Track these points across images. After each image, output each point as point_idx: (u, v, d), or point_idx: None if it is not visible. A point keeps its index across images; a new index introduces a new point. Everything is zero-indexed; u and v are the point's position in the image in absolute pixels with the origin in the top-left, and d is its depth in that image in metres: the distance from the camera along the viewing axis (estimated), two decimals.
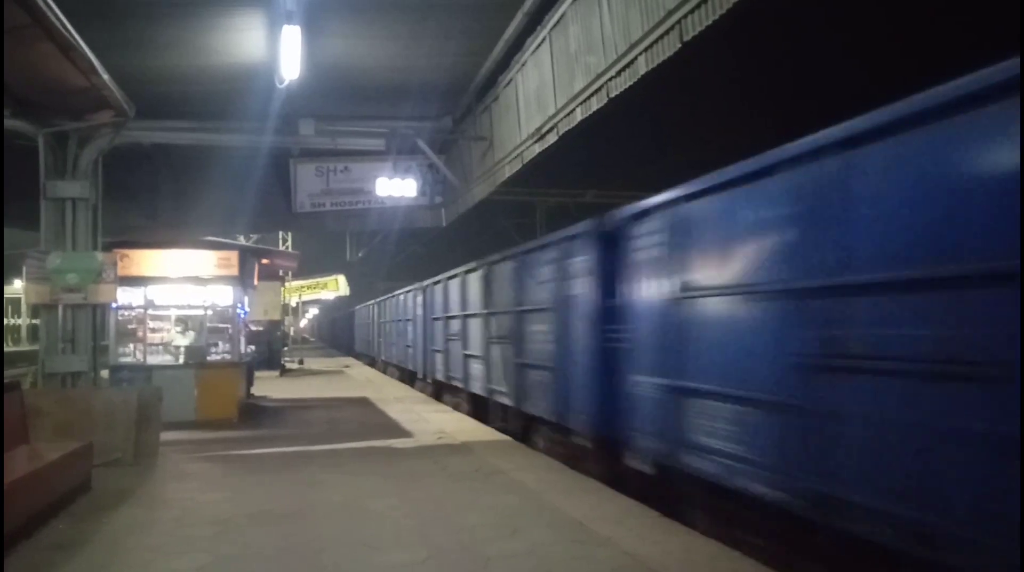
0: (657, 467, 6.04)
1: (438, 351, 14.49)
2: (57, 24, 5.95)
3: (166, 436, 8.73)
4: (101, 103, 8.23)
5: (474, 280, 11.77)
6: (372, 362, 27.74)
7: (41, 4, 5.59)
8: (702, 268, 5.49)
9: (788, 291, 4.47)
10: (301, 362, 27.51)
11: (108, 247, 9.78)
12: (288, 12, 7.18)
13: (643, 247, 6.39)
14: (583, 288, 7.46)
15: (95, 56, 6.94)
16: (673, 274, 5.79)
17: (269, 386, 17.16)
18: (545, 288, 8.53)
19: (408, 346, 18.24)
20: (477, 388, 11.59)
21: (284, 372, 22.62)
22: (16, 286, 24.06)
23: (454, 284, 13.17)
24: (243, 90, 9.68)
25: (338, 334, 47.80)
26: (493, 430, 10.35)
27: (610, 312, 6.96)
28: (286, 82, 8.20)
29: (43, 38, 6.09)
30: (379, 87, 10.23)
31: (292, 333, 37.78)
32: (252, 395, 14.59)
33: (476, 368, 11.61)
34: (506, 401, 10.01)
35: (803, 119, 4.96)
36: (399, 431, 10.29)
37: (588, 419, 7.27)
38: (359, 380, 20.44)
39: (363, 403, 14.17)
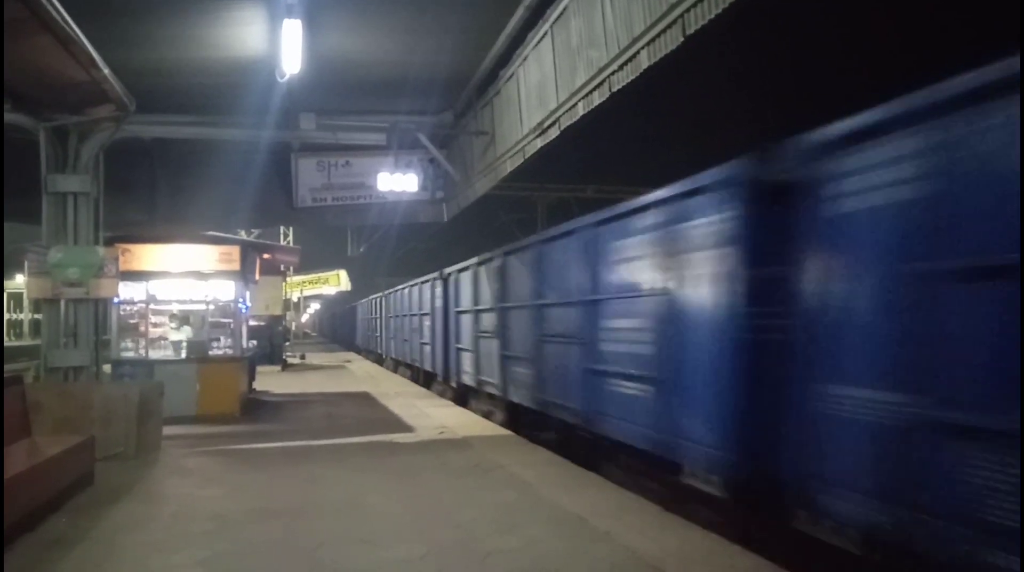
0: (457, 383, 13.40)
1: (392, 338, 22.61)
2: (56, 16, 5.93)
3: (168, 430, 8.75)
4: (101, 97, 8.21)
5: (404, 293, 19.63)
6: (367, 356, 29.00)
7: None
8: (462, 299, 12.93)
9: (474, 310, 12.00)
10: (303, 357, 27.54)
11: (110, 242, 9.78)
12: (289, 6, 7.16)
13: (451, 287, 13.78)
14: (438, 303, 14.87)
15: (95, 50, 6.92)
16: (457, 301, 13.27)
17: (271, 381, 17.18)
18: (428, 301, 16.06)
19: (377, 335, 26.46)
20: (408, 360, 19.32)
21: (286, 367, 22.64)
22: (18, 281, 24.08)
23: (397, 295, 20.97)
24: (244, 84, 9.65)
25: (339, 329, 47.90)
26: (494, 425, 10.37)
27: (449, 314, 13.93)
28: (287, 76, 8.18)
29: (41, 31, 6.07)
30: (380, 81, 10.21)
31: (294, 328, 37.78)
32: (254, 390, 14.60)
33: (405, 347, 19.54)
34: (418, 365, 17.57)
35: (805, 113, 4.94)
36: (400, 426, 10.29)
37: (440, 367, 14.76)
38: (360, 375, 20.46)
39: (364, 398, 14.18)
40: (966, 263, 3.38)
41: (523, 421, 9.62)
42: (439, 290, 14.64)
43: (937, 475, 3.44)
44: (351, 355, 31.99)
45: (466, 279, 12.47)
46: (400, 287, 19.67)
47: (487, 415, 11.26)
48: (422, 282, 16.63)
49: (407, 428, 10.06)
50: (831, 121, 4.22)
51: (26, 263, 8.92)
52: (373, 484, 6.61)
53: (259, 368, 16.78)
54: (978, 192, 3.35)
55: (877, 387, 3.85)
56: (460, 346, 12.95)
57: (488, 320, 11.06)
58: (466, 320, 12.49)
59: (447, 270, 14.00)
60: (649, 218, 6.27)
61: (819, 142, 4.35)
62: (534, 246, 9.23)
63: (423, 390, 15.85)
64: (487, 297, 11.24)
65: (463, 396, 12.98)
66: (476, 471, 7.13)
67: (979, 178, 3.36)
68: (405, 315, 19.26)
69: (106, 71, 7.43)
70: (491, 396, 11.24)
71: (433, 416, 11.22)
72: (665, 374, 5.90)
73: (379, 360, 25.54)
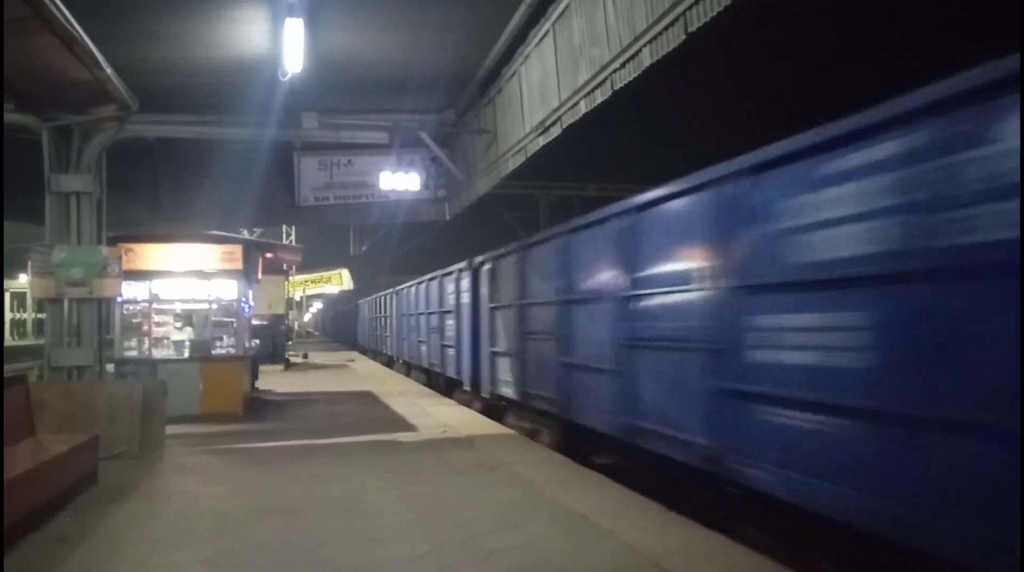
0: (403, 361, 21.19)
1: (384, 337, 27.40)
2: (58, 15, 5.94)
3: (171, 429, 8.76)
4: (104, 97, 8.23)
5: (379, 301, 26.94)
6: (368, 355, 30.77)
7: None
8: (403, 307, 20.89)
9: (407, 314, 20.42)
10: (305, 356, 27.58)
11: (113, 241, 9.79)
12: (290, 5, 7.16)
13: (403, 302, 20.76)
14: (392, 309, 23.13)
15: (97, 49, 6.93)
16: (401, 308, 21.31)
17: (273, 380, 17.21)
18: (389, 307, 23.73)
19: (368, 335, 32.53)
20: (385, 351, 25.44)
21: (288, 366, 22.67)
22: (22, 280, 24.13)
23: (376, 301, 28.03)
24: (246, 83, 9.66)
25: (342, 328, 47.97)
26: (497, 424, 10.38)
27: (400, 316, 21.17)
28: (289, 75, 8.18)
29: (44, 30, 6.08)
30: (382, 80, 10.20)
31: (296, 327, 37.83)
32: (256, 389, 14.62)
33: (385, 341, 25.61)
34: (391, 355, 23.56)
35: (805, 112, 4.94)
36: (403, 425, 10.30)
37: (395, 352, 22.68)
38: (363, 374, 20.48)
39: (367, 397, 14.20)
40: (495, 306, 11.45)
41: (432, 376, 16.86)
42: (394, 299, 22.24)
43: (496, 370, 11.28)
44: (354, 354, 32.03)
45: (403, 294, 20.00)
46: (376, 296, 27.87)
47: (422, 381, 17.77)
48: (386, 294, 24.46)
49: (410, 427, 10.08)
50: (829, 118, 4.22)
51: (30, 263, 8.93)
52: (376, 482, 6.62)
53: (262, 367, 16.81)
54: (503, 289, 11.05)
55: (493, 344, 11.35)
56: (402, 337, 20.78)
57: (414, 321, 18.52)
58: (404, 321, 20.10)
59: (398, 287, 22.19)
60: (452, 276, 14.17)
61: (482, 259, 11.97)
62: (425, 281, 16.98)
63: (426, 389, 15.88)
64: (412, 308, 18.70)
65: (409, 371, 19.33)
66: (479, 469, 7.14)
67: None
68: (378, 317, 27.49)
69: (109, 71, 7.44)
70: (418, 367, 18.22)
71: (436, 415, 11.24)
72: (457, 345, 13.63)
73: (362, 351, 32.57)
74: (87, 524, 5.34)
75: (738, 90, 14.88)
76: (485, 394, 11.86)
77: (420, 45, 8.97)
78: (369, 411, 12.09)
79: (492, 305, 11.30)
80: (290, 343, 28.10)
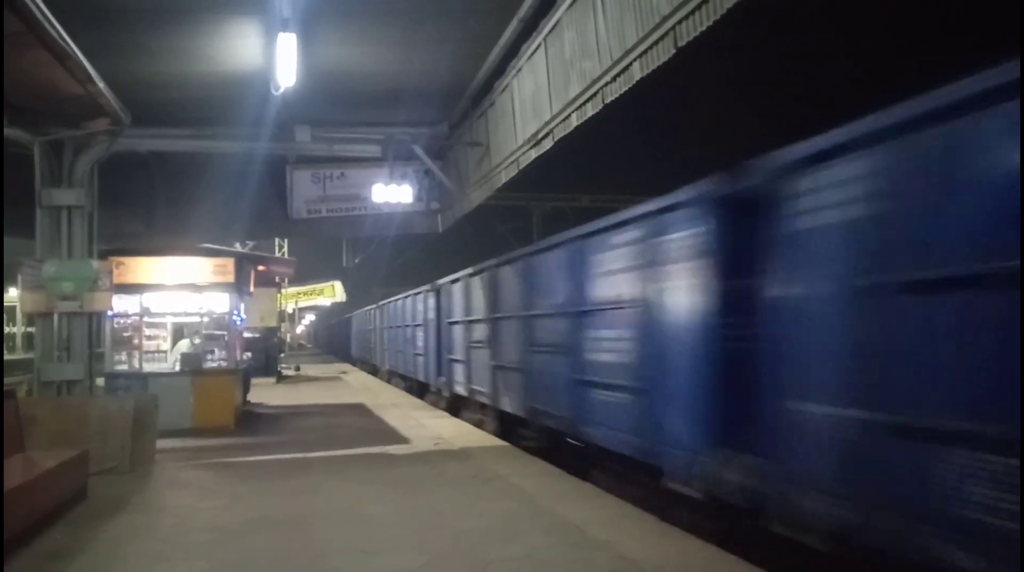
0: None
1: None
2: (52, 32, 5.95)
3: (162, 444, 8.72)
4: (97, 111, 8.22)
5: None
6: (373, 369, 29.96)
7: (35, 12, 5.59)
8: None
9: (381, 328, 26.11)
10: (298, 369, 27.46)
11: (104, 255, 9.76)
12: (283, 19, 7.20)
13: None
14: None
15: (90, 63, 6.94)
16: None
17: (266, 393, 17.12)
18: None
19: (356, 346, 35.30)
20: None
21: (281, 379, 22.57)
22: (12, 294, 23.98)
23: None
24: (239, 97, 9.68)
25: (335, 340, 47.83)
26: (491, 436, 10.36)
27: (381, 330, 25.28)
28: (282, 89, 8.20)
29: (38, 46, 6.09)
30: (375, 93, 10.25)
31: (289, 340, 37.66)
32: (249, 402, 14.55)
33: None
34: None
35: (797, 123, 4.99)
36: (397, 437, 10.28)
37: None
38: (356, 386, 20.42)
39: (360, 409, 14.15)
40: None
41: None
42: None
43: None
44: (347, 366, 31.92)
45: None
46: (391, 300, 26.95)
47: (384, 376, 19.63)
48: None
49: (404, 439, 10.05)
50: (821, 129, 4.28)
51: (20, 277, 8.89)
52: (371, 494, 6.60)
53: (254, 380, 16.73)
54: None
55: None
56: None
57: (391, 332, 18.95)
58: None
59: (380, 302, 25.87)
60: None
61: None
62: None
63: (419, 401, 15.86)
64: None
65: (375, 371, 20.19)
66: (474, 481, 7.13)
67: None
68: (388, 328, 26.79)
69: (101, 85, 7.44)
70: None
71: (429, 427, 11.21)
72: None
73: (372, 369, 31.26)
74: (80, 539, 5.30)
75: (731, 98, 14.99)
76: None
77: (414, 59, 9.02)
78: (363, 423, 12.05)
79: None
80: (282, 356, 27.98)
